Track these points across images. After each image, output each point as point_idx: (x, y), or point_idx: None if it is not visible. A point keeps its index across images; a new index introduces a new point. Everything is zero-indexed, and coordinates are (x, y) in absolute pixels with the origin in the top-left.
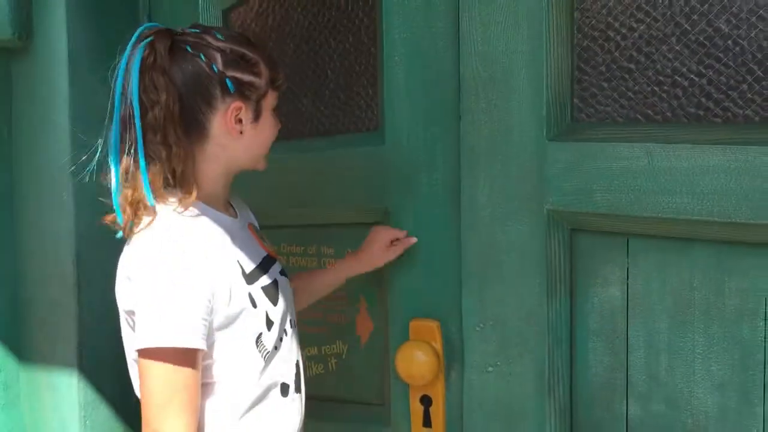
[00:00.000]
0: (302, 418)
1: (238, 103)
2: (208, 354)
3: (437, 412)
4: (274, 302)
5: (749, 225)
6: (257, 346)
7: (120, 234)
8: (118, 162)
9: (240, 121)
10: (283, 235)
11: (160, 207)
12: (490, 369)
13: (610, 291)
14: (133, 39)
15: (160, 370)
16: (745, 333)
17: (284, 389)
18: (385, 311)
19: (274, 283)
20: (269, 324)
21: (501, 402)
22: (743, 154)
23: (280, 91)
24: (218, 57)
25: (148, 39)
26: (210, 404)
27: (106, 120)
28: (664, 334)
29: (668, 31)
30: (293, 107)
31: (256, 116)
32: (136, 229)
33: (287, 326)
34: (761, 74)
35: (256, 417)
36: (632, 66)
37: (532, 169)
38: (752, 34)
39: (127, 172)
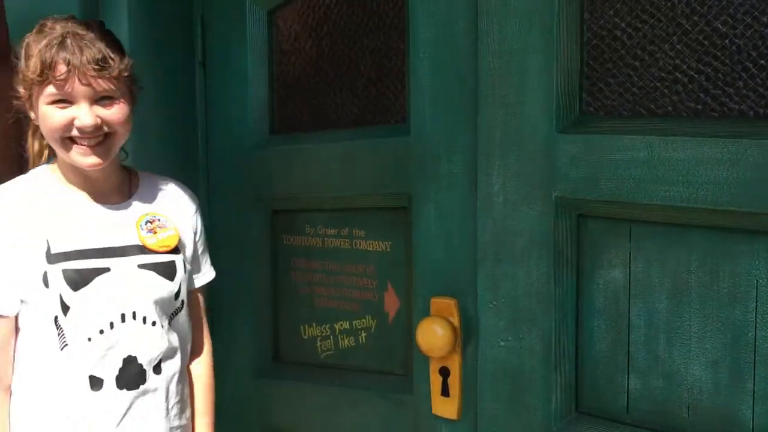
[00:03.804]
0: (129, 416)
1: (20, 89)
2: (18, 324)
3: (454, 382)
4: (75, 287)
5: (740, 213)
6: (56, 329)
7: None
8: None
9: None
10: (320, 219)
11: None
12: (502, 343)
13: (614, 273)
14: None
15: None
16: (737, 314)
17: (95, 383)
18: (410, 290)
19: (102, 270)
20: (64, 309)
21: (511, 374)
22: (736, 146)
23: (49, 87)
24: (23, 45)
25: None
26: (19, 383)
27: None
28: (663, 314)
29: (670, 30)
30: (330, 100)
31: (31, 105)
32: None
33: (115, 319)
34: (755, 71)
35: (52, 402)
36: (637, 63)
37: (542, 159)
38: (748, 34)
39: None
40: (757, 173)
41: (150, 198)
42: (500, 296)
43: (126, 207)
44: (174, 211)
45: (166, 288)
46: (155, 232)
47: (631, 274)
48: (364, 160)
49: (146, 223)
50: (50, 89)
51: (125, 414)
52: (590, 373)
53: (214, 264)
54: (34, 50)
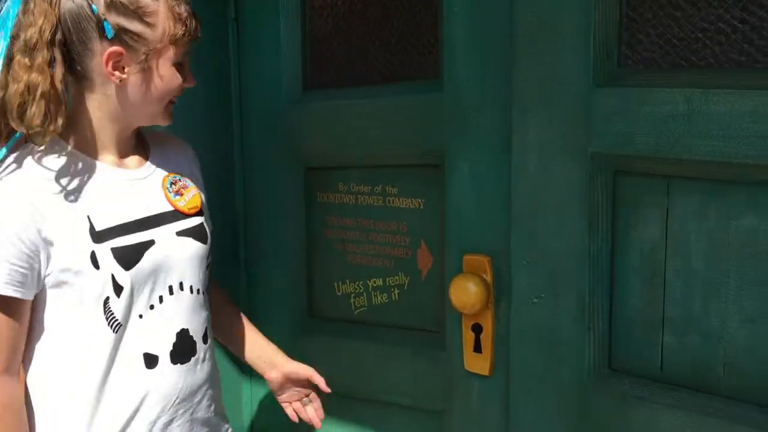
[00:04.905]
0: (183, 390)
1: (116, 49)
2: (44, 311)
3: (486, 339)
4: (127, 266)
5: None
6: (104, 311)
7: None
8: None
9: (123, 68)
10: (353, 176)
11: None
12: (535, 300)
13: (651, 230)
14: None
15: None
16: None
17: (150, 361)
18: (443, 247)
19: (148, 243)
20: (117, 289)
21: (544, 332)
22: None
23: (183, 47)
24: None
25: None
26: (56, 365)
27: None
28: (700, 272)
29: None
30: (362, 56)
31: (144, 68)
32: None
33: (164, 292)
34: None
35: (110, 387)
36: (678, 13)
37: (577, 114)
38: None
39: None
40: None
41: (164, 158)
42: (534, 253)
43: (148, 171)
44: (184, 168)
45: (203, 252)
46: (182, 194)
47: (668, 231)
48: (397, 116)
49: (171, 185)
50: (185, 46)
51: (181, 388)
52: (624, 330)
53: (250, 221)
54: (152, 6)
